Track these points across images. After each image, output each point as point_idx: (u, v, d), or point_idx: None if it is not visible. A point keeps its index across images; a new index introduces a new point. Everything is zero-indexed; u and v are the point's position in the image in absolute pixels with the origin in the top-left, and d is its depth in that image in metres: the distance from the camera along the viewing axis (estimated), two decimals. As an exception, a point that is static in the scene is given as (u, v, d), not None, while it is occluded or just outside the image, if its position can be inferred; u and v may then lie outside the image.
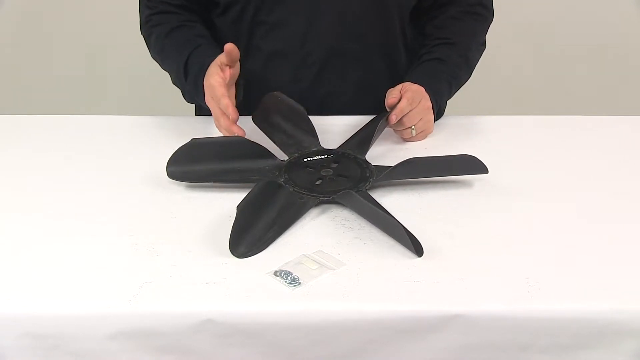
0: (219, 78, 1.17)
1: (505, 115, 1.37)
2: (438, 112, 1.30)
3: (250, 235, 0.96)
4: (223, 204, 1.04)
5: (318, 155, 1.14)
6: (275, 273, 0.90)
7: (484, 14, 1.39)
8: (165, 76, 1.37)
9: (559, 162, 1.20)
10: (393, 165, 1.09)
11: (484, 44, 1.39)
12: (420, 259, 0.93)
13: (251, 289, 0.88)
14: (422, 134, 1.25)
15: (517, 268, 0.92)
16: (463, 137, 1.28)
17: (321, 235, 0.98)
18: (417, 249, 0.94)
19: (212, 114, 1.20)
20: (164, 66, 1.36)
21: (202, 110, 1.47)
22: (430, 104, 1.24)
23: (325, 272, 0.91)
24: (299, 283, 0.88)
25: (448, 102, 1.38)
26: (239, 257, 0.93)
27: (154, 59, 1.38)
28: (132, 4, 1.38)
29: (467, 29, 1.37)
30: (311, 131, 1.20)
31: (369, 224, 1.00)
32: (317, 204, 1.04)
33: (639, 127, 1.34)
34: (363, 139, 1.18)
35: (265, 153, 1.12)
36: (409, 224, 0.96)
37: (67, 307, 0.85)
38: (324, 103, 1.32)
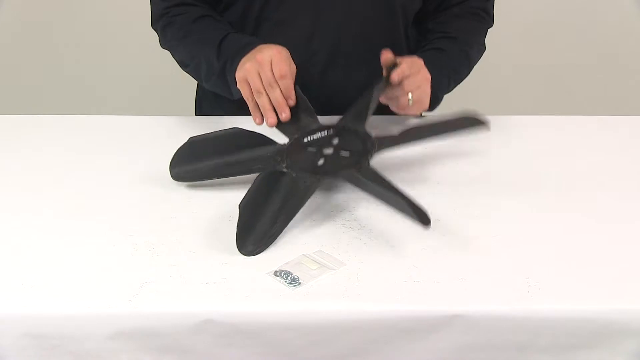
0: (289, 54, 1.15)
1: (505, 115, 1.37)
2: (434, 102, 1.28)
3: (256, 231, 0.95)
4: (223, 204, 1.04)
5: (318, 132, 1.11)
6: (275, 273, 0.90)
7: (485, 18, 1.40)
8: (166, 76, 1.37)
9: (559, 162, 1.20)
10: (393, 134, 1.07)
11: (483, 46, 1.39)
12: (420, 258, 0.93)
13: (251, 289, 0.88)
14: (418, 106, 1.21)
15: (517, 268, 0.92)
16: (462, 136, 1.27)
17: (321, 235, 0.98)
18: (422, 219, 0.93)
19: (257, 79, 1.14)
20: (184, 50, 1.31)
21: (202, 110, 1.47)
22: (429, 75, 1.21)
23: (325, 272, 0.91)
24: (299, 283, 0.88)
25: (448, 102, 1.37)
26: (248, 255, 0.93)
27: (167, 47, 1.34)
28: (132, 4, 1.38)
29: (469, 26, 1.37)
30: (308, 109, 1.17)
31: (369, 223, 1.00)
32: (320, 185, 1.02)
33: (639, 127, 1.34)
34: (360, 110, 1.15)
35: (264, 140, 1.10)
36: (409, 224, 0.96)
37: (67, 307, 0.85)
38: (327, 103, 1.32)
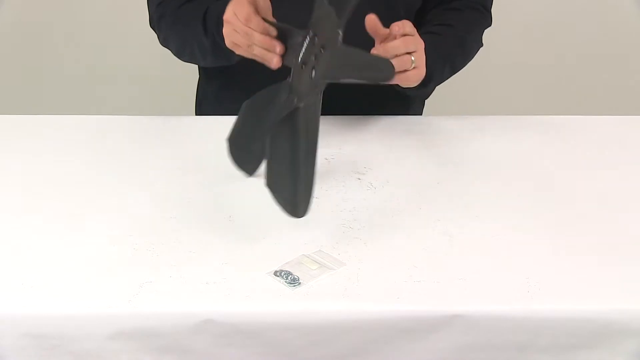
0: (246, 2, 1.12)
1: (505, 115, 1.37)
2: (427, 81, 1.24)
3: (298, 189, 0.96)
4: (223, 204, 1.04)
5: (303, 43, 1.06)
6: (275, 273, 0.90)
7: (484, 13, 1.40)
8: (166, 76, 1.37)
9: (559, 162, 1.20)
10: None
11: (480, 42, 1.39)
12: (420, 259, 0.93)
13: (251, 289, 0.88)
14: (416, 73, 1.16)
15: (517, 268, 0.92)
16: (462, 137, 1.28)
17: (321, 235, 0.98)
18: (385, 68, 0.94)
19: (238, 38, 1.12)
20: (175, 36, 1.31)
21: (202, 110, 1.47)
22: (422, 41, 1.17)
23: (325, 272, 0.91)
24: (299, 283, 0.88)
25: (448, 102, 1.37)
26: (305, 215, 0.95)
27: (163, 41, 1.34)
28: (132, 3, 1.38)
29: (467, 17, 1.36)
30: (288, 30, 1.12)
31: (369, 223, 1.00)
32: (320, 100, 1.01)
33: (639, 127, 1.34)
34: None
35: (274, 88, 1.08)
36: (409, 224, 0.96)
37: (67, 307, 0.85)
38: (327, 102, 1.32)
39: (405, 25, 1.14)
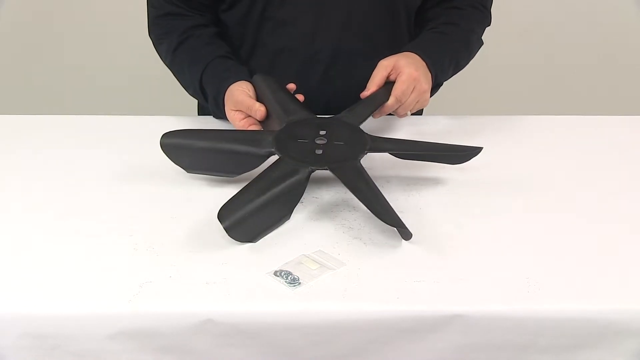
0: (243, 93, 1.20)
1: (505, 115, 1.37)
2: (435, 89, 1.29)
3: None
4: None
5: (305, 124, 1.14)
6: (275, 273, 0.90)
7: (484, 12, 1.41)
8: (168, 76, 1.37)
9: (558, 162, 1.20)
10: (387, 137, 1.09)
11: (481, 40, 1.40)
12: (420, 258, 0.93)
13: (251, 289, 0.88)
14: (418, 108, 1.26)
15: (517, 268, 0.92)
16: (463, 137, 1.28)
17: (321, 235, 0.98)
18: (405, 233, 0.96)
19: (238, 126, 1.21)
20: (174, 73, 1.35)
21: (205, 110, 1.47)
22: (425, 87, 1.23)
23: (325, 272, 0.91)
24: (299, 283, 0.88)
25: (448, 102, 1.37)
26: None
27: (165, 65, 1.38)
28: (132, 3, 1.38)
29: (470, 16, 1.38)
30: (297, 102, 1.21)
31: (369, 223, 1.00)
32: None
33: (639, 127, 1.34)
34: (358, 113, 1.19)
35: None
36: (409, 223, 0.96)
37: (67, 307, 0.85)
38: (330, 102, 1.32)
39: (392, 107, 1.22)
